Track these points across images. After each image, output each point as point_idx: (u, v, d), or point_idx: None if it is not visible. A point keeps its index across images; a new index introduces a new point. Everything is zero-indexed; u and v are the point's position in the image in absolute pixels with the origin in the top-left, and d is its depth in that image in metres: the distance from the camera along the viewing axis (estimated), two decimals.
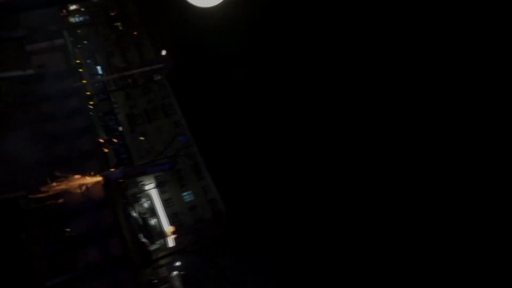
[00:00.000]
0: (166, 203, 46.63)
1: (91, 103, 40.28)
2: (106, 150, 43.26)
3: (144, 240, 41.01)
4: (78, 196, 21.18)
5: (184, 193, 47.54)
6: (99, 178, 22.97)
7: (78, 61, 47.50)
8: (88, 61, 49.50)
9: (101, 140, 37.43)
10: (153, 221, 45.87)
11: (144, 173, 29.40)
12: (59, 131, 24.13)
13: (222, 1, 3.60)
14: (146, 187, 46.71)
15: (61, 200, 25.34)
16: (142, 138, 50.25)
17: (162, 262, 43.57)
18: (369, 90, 48.86)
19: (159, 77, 50.91)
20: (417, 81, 44.94)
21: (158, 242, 43.97)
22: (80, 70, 44.46)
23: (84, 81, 41.53)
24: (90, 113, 35.54)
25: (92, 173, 23.40)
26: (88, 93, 43.04)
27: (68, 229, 28.25)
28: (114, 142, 46.70)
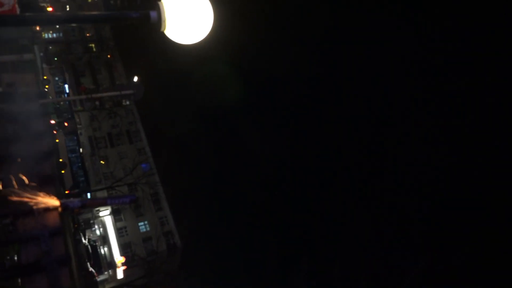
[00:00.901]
0: (119, 232, 45.10)
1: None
2: (63, 172, 41.75)
3: (91, 269, 39.15)
4: (31, 222, 20.13)
5: (140, 223, 46.29)
6: (56, 203, 22.02)
7: (45, 77, 46.51)
8: (56, 78, 48.55)
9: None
10: (103, 250, 44.03)
11: (104, 204, 28.50)
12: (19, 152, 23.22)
13: (202, 40, 4.01)
14: (101, 213, 45.15)
15: (9, 220, 24.03)
16: (102, 162, 49.02)
17: None
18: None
19: (127, 103, 50.52)
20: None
21: (106, 272, 42.10)
22: (47, 86, 43.48)
23: (50, 97, 40.57)
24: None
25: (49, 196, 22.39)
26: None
27: (8, 257, 26.57)
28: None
